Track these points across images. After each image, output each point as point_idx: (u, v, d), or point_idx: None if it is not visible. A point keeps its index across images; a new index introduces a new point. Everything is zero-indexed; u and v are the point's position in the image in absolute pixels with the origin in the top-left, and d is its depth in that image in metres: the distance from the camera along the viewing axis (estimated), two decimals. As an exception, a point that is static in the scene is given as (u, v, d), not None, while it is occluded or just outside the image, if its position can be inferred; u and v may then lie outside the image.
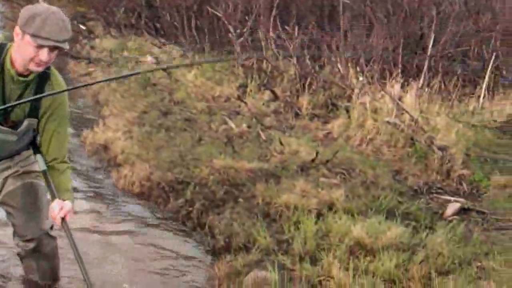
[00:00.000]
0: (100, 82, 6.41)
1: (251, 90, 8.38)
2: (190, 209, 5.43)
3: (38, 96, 3.39)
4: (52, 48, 3.25)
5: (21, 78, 3.39)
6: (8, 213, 3.88)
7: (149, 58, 10.16)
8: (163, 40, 11.30)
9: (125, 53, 10.61)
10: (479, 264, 4.27)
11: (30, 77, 3.41)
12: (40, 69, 3.33)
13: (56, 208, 3.42)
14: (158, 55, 10.34)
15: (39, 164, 3.61)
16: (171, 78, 9.00)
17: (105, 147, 6.80)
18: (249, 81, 8.54)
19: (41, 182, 3.75)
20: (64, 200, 3.46)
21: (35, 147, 3.65)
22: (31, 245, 3.88)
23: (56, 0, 12.17)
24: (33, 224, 3.84)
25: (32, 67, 3.30)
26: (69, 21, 3.31)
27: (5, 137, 3.55)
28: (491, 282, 3.92)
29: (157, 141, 6.71)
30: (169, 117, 7.58)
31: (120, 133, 6.94)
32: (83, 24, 12.62)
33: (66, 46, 3.29)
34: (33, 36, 3.18)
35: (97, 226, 5.24)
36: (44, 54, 3.24)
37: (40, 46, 3.21)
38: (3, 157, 3.69)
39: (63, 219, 3.41)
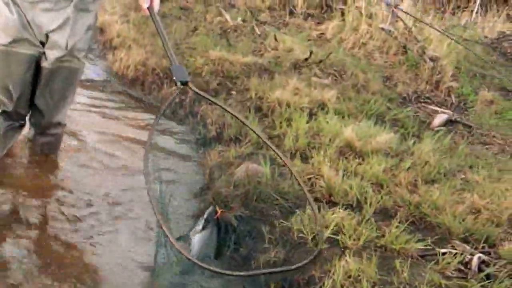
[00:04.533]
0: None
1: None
2: (183, 97, 5.23)
3: None
4: None
5: None
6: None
7: None
8: None
9: None
10: (463, 176, 4.16)
11: None
12: None
13: None
14: None
15: None
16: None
17: (101, 30, 6.53)
18: (245, -26, 8.20)
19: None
20: None
21: None
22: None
23: None
24: (64, 110, 3.87)
25: None
26: None
27: None
28: (475, 195, 3.81)
29: (153, 27, 6.42)
30: (165, 4, 7.27)
31: (116, 16, 6.65)
32: None
33: None
34: None
35: (93, 105, 5.11)
36: None
37: None
38: None
39: (149, 7, 3.45)
